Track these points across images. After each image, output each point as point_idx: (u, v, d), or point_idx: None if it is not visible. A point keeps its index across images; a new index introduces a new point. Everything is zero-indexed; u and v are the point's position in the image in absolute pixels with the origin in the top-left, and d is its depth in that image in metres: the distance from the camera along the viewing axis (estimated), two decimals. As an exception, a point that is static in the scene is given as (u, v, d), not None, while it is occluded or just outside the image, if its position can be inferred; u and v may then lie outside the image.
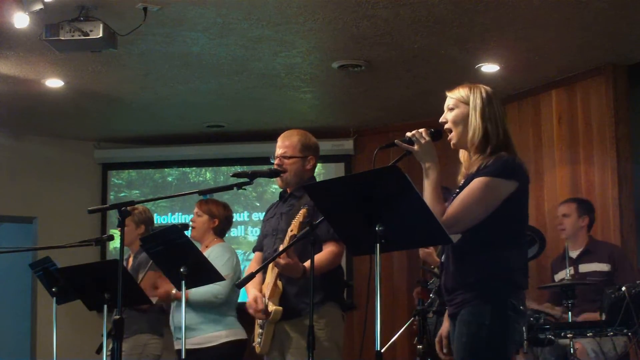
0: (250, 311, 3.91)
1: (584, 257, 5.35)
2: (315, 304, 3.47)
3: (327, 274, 3.77)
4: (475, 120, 3.07)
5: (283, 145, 4.00)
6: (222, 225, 5.16)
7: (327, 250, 3.80)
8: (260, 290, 3.94)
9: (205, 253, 4.67)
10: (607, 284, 5.05)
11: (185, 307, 4.05)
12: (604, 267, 5.25)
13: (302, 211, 3.62)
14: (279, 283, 3.81)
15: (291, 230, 3.66)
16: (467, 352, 2.98)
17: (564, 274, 5.14)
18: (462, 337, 2.99)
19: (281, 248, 3.69)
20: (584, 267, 5.29)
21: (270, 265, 3.78)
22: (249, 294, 3.96)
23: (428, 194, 3.00)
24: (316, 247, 3.44)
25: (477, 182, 2.99)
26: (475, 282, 3.00)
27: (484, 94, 3.11)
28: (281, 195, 4.13)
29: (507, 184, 2.99)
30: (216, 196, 5.36)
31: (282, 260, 3.64)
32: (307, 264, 3.65)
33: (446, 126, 3.15)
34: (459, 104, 3.13)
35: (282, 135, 4.06)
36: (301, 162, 3.98)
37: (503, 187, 2.99)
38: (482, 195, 2.97)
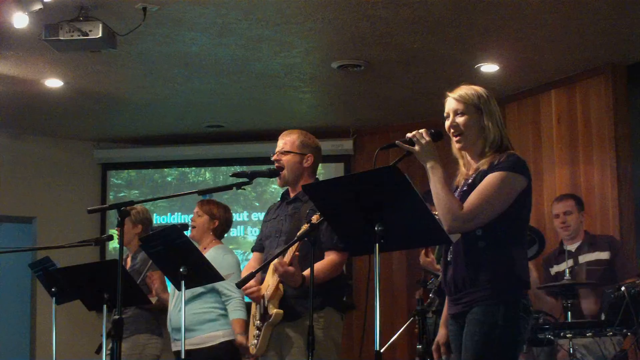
0: (246, 292, 3.91)
1: (584, 249, 5.34)
2: (314, 308, 3.47)
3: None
4: (493, 128, 3.10)
5: (283, 141, 4.02)
6: (221, 226, 5.16)
7: (328, 260, 3.80)
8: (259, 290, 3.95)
9: (206, 255, 4.66)
10: (607, 273, 5.06)
11: (184, 308, 4.04)
12: (604, 255, 5.24)
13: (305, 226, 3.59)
14: (281, 286, 3.81)
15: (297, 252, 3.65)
16: (478, 351, 2.97)
17: (563, 267, 5.13)
18: (475, 335, 2.98)
19: (286, 257, 3.68)
20: (584, 257, 5.28)
21: (273, 269, 3.78)
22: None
23: (439, 192, 2.99)
24: (317, 250, 3.43)
25: (493, 176, 3.00)
26: (487, 280, 2.99)
27: (491, 99, 3.14)
28: (283, 196, 4.12)
29: (521, 179, 3.03)
30: (215, 196, 5.37)
31: (281, 268, 3.65)
32: (306, 273, 3.67)
33: (454, 130, 3.14)
34: (471, 109, 3.11)
35: (283, 132, 4.09)
36: (298, 159, 3.98)
37: (517, 182, 3.02)
38: (499, 188, 2.98)
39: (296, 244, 3.62)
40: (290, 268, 3.65)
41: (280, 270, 3.66)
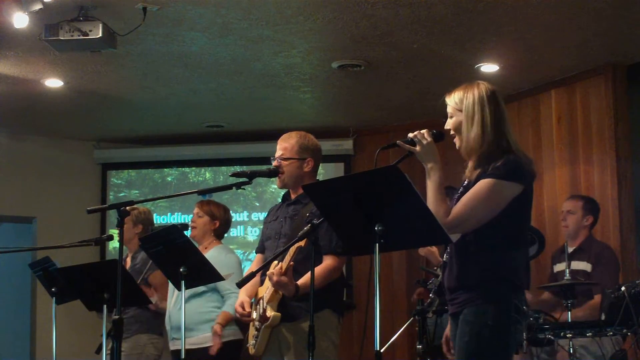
0: (237, 315, 3.98)
1: (576, 255, 5.35)
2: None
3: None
4: (467, 131, 3.08)
5: (281, 147, 4.00)
6: (222, 227, 5.17)
7: (325, 265, 3.80)
8: (256, 294, 3.95)
9: (206, 255, 4.66)
10: (585, 284, 5.05)
11: (183, 309, 4.04)
12: (588, 267, 5.25)
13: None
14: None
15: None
16: (469, 352, 2.98)
17: (563, 267, 5.14)
18: (465, 336, 2.99)
19: (284, 263, 3.69)
20: (575, 265, 5.29)
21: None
22: (239, 296, 4.00)
23: (431, 195, 3.01)
24: (317, 251, 3.42)
25: (482, 183, 3.00)
26: (477, 283, 3.00)
27: (477, 101, 3.09)
28: (284, 197, 4.12)
29: (513, 187, 3.00)
30: (215, 196, 5.38)
31: (275, 277, 3.66)
32: (300, 282, 3.68)
33: (451, 132, 3.17)
34: (455, 112, 3.14)
35: (282, 136, 4.06)
36: (298, 164, 3.96)
37: (508, 189, 3.00)
38: (487, 197, 2.98)
39: (292, 253, 3.63)
40: (284, 278, 3.66)
41: (273, 280, 3.67)
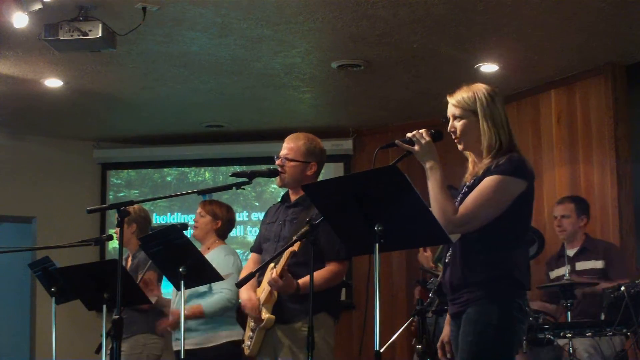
0: (247, 310, 3.94)
1: (580, 255, 5.36)
2: (308, 312, 3.48)
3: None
4: (488, 130, 3.07)
5: (288, 147, 3.98)
6: (224, 227, 5.15)
7: (328, 269, 3.80)
8: (255, 294, 3.95)
9: (208, 255, 4.66)
10: (603, 280, 5.06)
11: (183, 308, 4.03)
12: (598, 264, 5.26)
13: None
14: (275, 292, 3.82)
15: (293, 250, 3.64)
16: (473, 351, 2.97)
17: (562, 271, 5.15)
18: (469, 336, 2.99)
19: (278, 268, 3.70)
20: (581, 265, 5.30)
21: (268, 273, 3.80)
22: (242, 295, 3.99)
23: (436, 194, 2.99)
24: (317, 251, 3.43)
25: (489, 180, 2.99)
26: (482, 281, 3.00)
27: (488, 99, 3.10)
28: (283, 198, 4.10)
29: (519, 183, 3.01)
30: (215, 196, 5.37)
31: (275, 284, 3.68)
32: (302, 280, 3.69)
33: (453, 135, 3.15)
34: (466, 114, 3.10)
35: (289, 136, 4.04)
36: (302, 167, 3.95)
37: (515, 186, 3.00)
38: (494, 193, 2.98)
39: (286, 258, 3.63)
40: (281, 282, 3.68)
41: (275, 288, 3.71)
